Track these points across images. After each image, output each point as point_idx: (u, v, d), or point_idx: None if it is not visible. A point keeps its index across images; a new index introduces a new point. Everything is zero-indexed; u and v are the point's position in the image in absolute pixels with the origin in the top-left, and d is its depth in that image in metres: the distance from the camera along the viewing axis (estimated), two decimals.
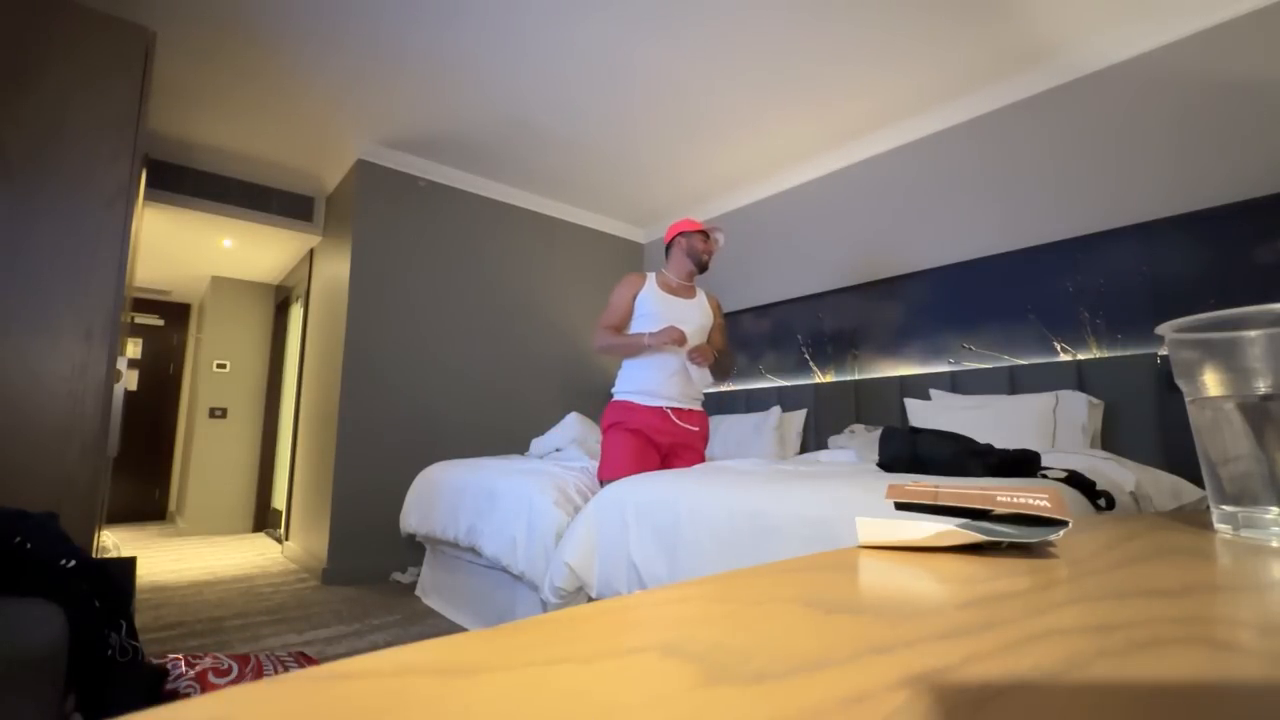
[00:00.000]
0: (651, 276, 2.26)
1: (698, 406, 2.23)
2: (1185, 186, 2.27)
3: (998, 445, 1.60)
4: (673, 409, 2.14)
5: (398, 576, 3.17)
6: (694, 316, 2.19)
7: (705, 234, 2.27)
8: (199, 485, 4.86)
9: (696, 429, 2.19)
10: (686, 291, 2.26)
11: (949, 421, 2.34)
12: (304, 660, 1.68)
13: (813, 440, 3.18)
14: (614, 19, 2.42)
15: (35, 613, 0.92)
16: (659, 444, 2.13)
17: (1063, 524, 0.41)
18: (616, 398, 2.20)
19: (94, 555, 1.82)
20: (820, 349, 3.37)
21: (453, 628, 2.43)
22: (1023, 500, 0.43)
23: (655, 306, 2.17)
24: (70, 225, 1.76)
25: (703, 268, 2.26)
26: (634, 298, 2.22)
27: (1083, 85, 2.58)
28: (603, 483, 2.06)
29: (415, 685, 0.18)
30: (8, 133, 1.69)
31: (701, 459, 2.21)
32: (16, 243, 1.68)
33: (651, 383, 2.13)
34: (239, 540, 4.55)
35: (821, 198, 3.54)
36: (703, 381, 2.15)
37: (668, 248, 2.31)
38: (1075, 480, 1.39)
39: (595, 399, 4.17)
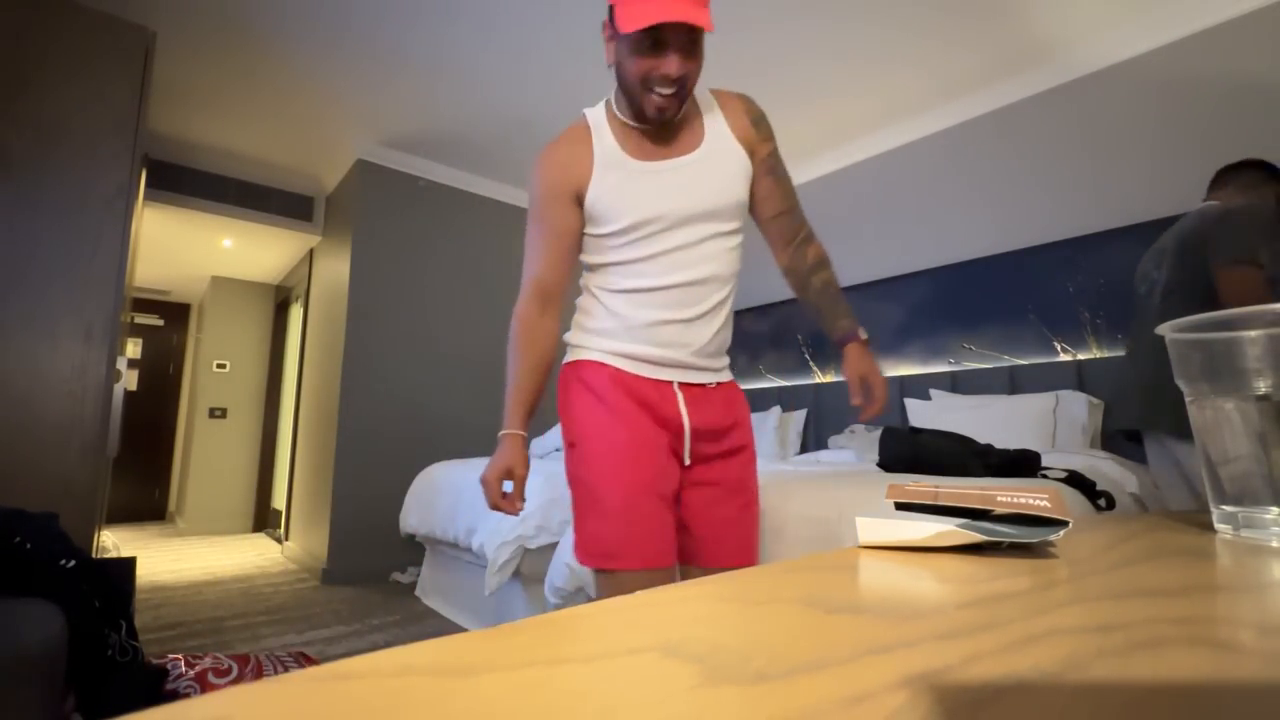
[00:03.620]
0: (603, 127, 1.05)
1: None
2: (1185, 186, 2.26)
3: (998, 445, 1.60)
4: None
5: (398, 576, 3.17)
6: (700, 195, 1.01)
7: (655, 43, 0.90)
8: (199, 485, 4.86)
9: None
10: (676, 144, 1.03)
11: (949, 421, 2.34)
12: (304, 660, 1.68)
13: (813, 440, 3.18)
14: None
15: (35, 613, 0.92)
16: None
17: (1063, 524, 0.41)
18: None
19: (94, 555, 1.82)
20: (820, 349, 3.36)
21: (453, 628, 2.43)
22: (1023, 500, 0.43)
23: (617, 200, 1.00)
24: (70, 225, 1.76)
25: (659, 121, 0.99)
26: (574, 196, 1.03)
27: (1083, 85, 2.58)
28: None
29: (415, 685, 0.18)
30: (8, 133, 1.69)
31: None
32: (16, 243, 1.68)
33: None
34: (239, 540, 4.54)
35: (821, 197, 3.52)
36: None
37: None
38: (1075, 480, 1.39)
39: None
